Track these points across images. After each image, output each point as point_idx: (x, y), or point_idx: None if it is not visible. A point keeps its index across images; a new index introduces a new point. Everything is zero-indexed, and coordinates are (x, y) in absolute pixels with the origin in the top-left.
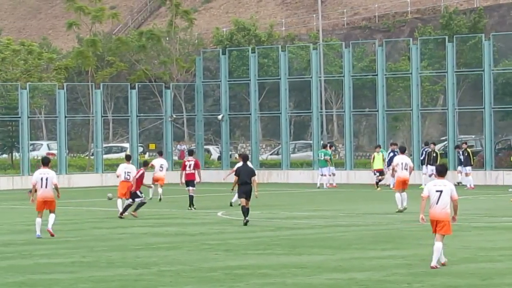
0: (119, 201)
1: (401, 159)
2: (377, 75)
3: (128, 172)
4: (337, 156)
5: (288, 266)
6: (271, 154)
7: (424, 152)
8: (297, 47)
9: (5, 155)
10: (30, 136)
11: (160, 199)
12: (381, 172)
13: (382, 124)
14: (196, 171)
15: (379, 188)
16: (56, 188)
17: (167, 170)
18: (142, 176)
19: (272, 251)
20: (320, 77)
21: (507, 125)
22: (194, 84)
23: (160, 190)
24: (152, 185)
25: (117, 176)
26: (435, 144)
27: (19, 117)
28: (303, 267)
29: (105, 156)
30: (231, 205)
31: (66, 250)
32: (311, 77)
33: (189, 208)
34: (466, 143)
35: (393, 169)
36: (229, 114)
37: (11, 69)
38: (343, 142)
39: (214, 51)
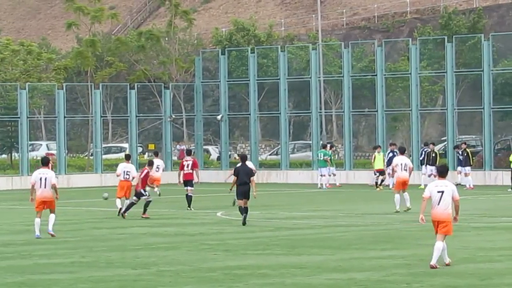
0: (118, 201)
1: (400, 160)
2: (376, 75)
3: (127, 172)
4: (336, 156)
5: (287, 266)
6: (270, 154)
7: (423, 152)
8: (296, 47)
9: (4, 156)
10: (30, 136)
11: (159, 194)
12: (381, 172)
13: (381, 124)
14: (194, 171)
15: (378, 188)
16: (55, 189)
17: (163, 170)
18: (147, 175)
19: (271, 251)
20: (319, 77)
21: (506, 125)
22: (194, 84)
23: (156, 189)
24: (155, 186)
25: (117, 176)
26: (434, 144)
27: (18, 117)
28: (302, 267)
29: (104, 156)
30: (234, 204)
31: (65, 250)
32: (310, 77)
33: (188, 208)
34: (465, 143)
35: (392, 170)
36: (228, 114)
37: (10, 69)
38: (342, 142)
39: (213, 51)
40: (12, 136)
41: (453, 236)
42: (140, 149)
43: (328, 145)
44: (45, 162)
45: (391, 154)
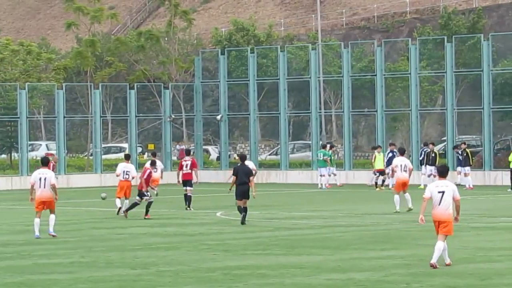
0: (118, 200)
1: (400, 161)
2: (376, 75)
3: (127, 172)
4: (335, 156)
5: (287, 266)
6: (270, 154)
7: (423, 153)
8: (296, 47)
9: (4, 156)
10: (29, 136)
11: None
12: (381, 172)
13: (381, 124)
14: (193, 171)
15: (379, 188)
16: (54, 189)
17: (162, 171)
18: (149, 175)
19: (271, 252)
20: (319, 77)
21: (506, 125)
22: (193, 84)
23: (155, 190)
24: (154, 187)
25: (117, 176)
26: (434, 144)
27: (18, 118)
28: (302, 267)
29: (104, 157)
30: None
31: (65, 250)
32: (310, 77)
33: (188, 208)
34: (465, 143)
35: (392, 170)
36: (228, 114)
37: (10, 69)
38: (342, 143)
39: (213, 51)
40: (11, 136)
41: (453, 236)
42: (139, 149)
43: (328, 145)
44: (44, 162)
45: (390, 154)
